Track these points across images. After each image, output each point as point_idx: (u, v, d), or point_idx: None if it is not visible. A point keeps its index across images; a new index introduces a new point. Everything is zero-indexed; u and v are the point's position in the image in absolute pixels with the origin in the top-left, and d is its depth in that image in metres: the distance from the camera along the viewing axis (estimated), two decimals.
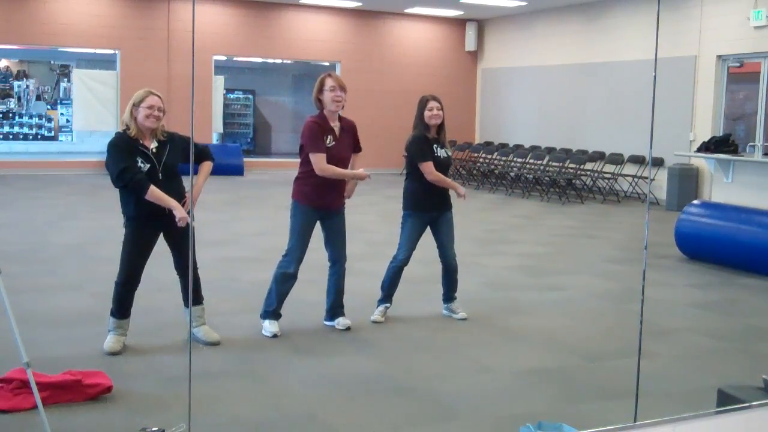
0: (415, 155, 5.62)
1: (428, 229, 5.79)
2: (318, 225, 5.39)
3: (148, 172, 4.73)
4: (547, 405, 4.26)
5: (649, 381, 4.53)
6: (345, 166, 5.31)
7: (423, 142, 5.63)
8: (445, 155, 5.71)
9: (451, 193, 5.82)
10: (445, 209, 5.75)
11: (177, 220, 4.73)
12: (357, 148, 5.45)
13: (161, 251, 5.00)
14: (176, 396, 4.16)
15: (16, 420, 3.82)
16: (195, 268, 5.04)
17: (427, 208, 5.68)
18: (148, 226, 4.83)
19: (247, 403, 4.16)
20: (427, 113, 5.60)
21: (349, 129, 5.37)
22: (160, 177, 4.75)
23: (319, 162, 5.14)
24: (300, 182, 5.30)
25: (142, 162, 4.72)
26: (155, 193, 4.68)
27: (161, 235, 4.94)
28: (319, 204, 5.27)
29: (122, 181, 4.68)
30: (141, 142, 4.77)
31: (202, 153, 5.05)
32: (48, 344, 4.96)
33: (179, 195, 4.87)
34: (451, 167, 5.83)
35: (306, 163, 5.25)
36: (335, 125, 5.27)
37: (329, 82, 5.18)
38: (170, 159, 4.82)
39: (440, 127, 5.68)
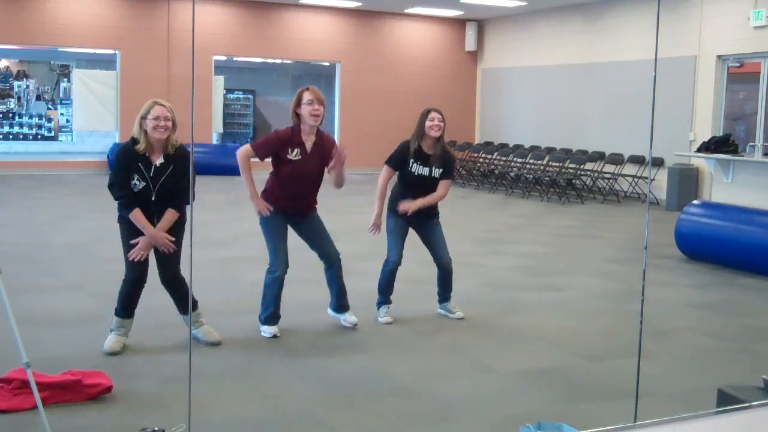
0: (389, 156, 5.65)
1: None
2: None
3: (142, 191, 4.71)
4: (547, 405, 4.25)
5: (649, 381, 4.53)
6: (311, 181, 5.25)
7: (402, 149, 5.61)
8: (421, 174, 5.55)
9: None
10: (425, 219, 5.69)
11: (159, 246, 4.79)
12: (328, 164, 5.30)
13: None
14: (176, 396, 4.16)
15: (16, 420, 3.82)
16: (182, 280, 4.99)
17: (403, 215, 5.63)
18: (136, 228, 4.80)
19: (247, 403, 4.16)
20: (428, 123, 5.56)
21: (323, 145, 5.25)
22: (153, 198, 4.73)
23: (242, 149, 5.22)
24: (265, 194, 5.30)
25: (138, 180, 4.71)
26: (136, 217, 4.73)
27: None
28: (285, 212, 5.26)
29: (111, 193, 4.78)
30: (146, 156, 4.73)
31: (177, 197, 4.85)
32: (48, 344, 4.96)
33: (178, 210, 4.85)
34: (430, 187, 5.59)
35: (275, 174, 5.25)
36: (308, 139, 5.20)
37: (307, 96, 5.14)
38: (170, 180, 4.76)
39: (438, 140, 5.58)
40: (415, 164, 5.58)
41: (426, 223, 5.72)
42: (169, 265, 4.89)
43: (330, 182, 5.38)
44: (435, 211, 5.76)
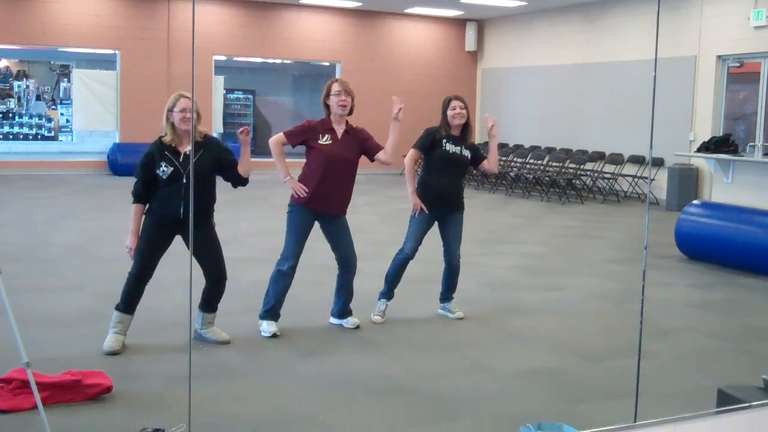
0: (416, 141, 5.73)
1: (436, 226, 5.80)
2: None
3: (171, 176, 4.79)
4: (547, 405, 4.25)
5: (649, 381, 4.53)
6: (344, 167, 5.32)
7: (429, 134, 5.71)
8: (455, 152, 5.68)
9: (466, 195, 5.85)
10: (453, 209, 5.76)
11: (126, 247, 4.88)
12: (373, 149, 5.46)
13: (168, 251, 5.00)
14: (176, 396, 4.16)
15: (16, 420, 3.82)
16: (224, 278, 5.09)
17: (432, 200, 5.68)
18: (163, 224, 4.87)
19: (247, 403, 4.17)
20: (450, 113, 5.66)
21: (355, 134, 5.41)
22: (184, 180, 4.79)
23: (275, 136, 5.36)
24: (300, 181, 5.32)
25: (165, 166, 4.80)
26: (134, 211, 4.90)
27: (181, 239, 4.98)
28: (315, 207, 5.28)
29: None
30: (174, 146, 4.85)
31: (234, 175, 5.05)
32: (48, 344, 4.96)
33: (206, 200, 4.94)
34: (463, 167, 5.80)
35: (308, 165, 5.33)
36: (338, 127, 5.35)
37: (335, 87, 5.33)
38: (201, 164, 4.85)
39: (465, 127, 5.72)
40: (448, 143, 5.67)
41: (453, 215, 5.77)
42: (205, 258, 4.98)
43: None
44: (463, 205, 5.83)
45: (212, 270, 5.01)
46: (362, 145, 5.42)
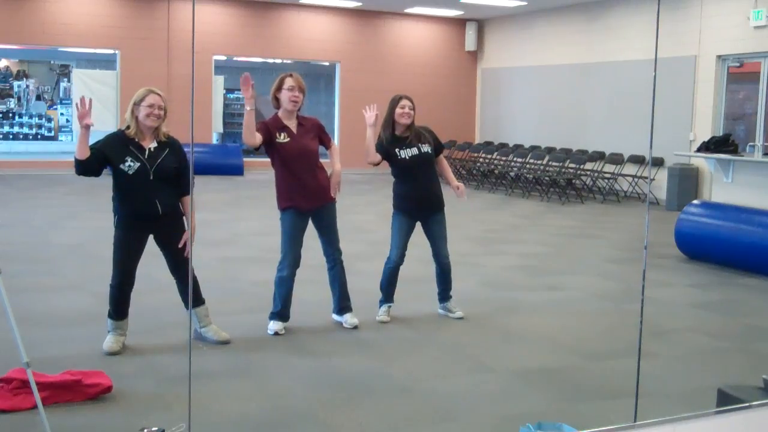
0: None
1: (421, 228, 5.79)
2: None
3: (138, 172, 4.72)
4: (547, 405, 4.25)
5: (649, 381, 4.53)
6: (309, 159, 5.26)
7: (379, 143, 5.61)
8: (413, 156, 5.58)
9: (445, 193, 5.79)
10: (433, 211, 5.72)
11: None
12: (326, 144, 5.41)
13: (159, 252, 5.00)
14: (176, 396, 4.16)
15: (16, 420, 3.82)
16: (191, 270, 5.03)
17: (409, 209, 5.66)
18: (135, 227, 4.82)
19: (247, 403, 4.16)
20: (398, 110, 5.59)
21: (310, 126, 5.35)
22: (151, 177, 4.74)
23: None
24: (277, 187, 5.31)
25: (131, 161, 4.73)
26: (77, 144, 4.72)
27: (152, 238, 4.93)
28: (299, 205, 5.26)
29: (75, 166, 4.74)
30: (137, 141, 4.78)
31: (181, 182, 4.92)
32: (48, 344, 4.96)
33: (171, 198, 4.87)
34: (427, 165, 5.66)
35: (275, 167, 5.30)
36: (291, 123, 5.27)
37: (289, 82, 5.23)
38: (166, 162, 4.81)
39: (410, 127, 5.63)
40: (401, 150, 5.59)
41: (434, 216, 5.73)
42: (176, 252, 4.90)
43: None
44: (443, 202, 5.77)
45: (180, 264, 4.93)
46: (317, 134, 5.36)
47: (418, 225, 5.78)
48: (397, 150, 5.59)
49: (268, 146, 5.22)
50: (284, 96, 5.22)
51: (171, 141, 4.91)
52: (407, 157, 5.59)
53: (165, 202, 4.78)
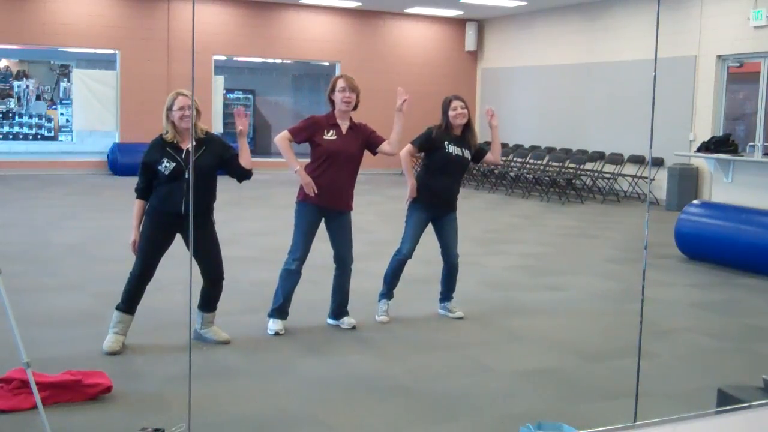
0: (415, 138, 5.74)
1: (432, 228, 5.80)
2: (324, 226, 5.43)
3: (173, 172, 4.79)
4: (547, 405, 4.26)
5: (649, 381, 4.53)
6: (348, 161, 5.35)
7: (429, 135, 5.69)
8: (457, 154, 5.68)
9: (466, 195, 5.86)
10: (448, 210, 5.77)
11: (130, 243, 4.93)
12: (379, 141, 5.49)
13: (168, 252, 5.00)
14: (176, 396, 4.16)
15: (16, 420, 3.82)
16: (222, 278, 5.09)
17: (431, 203, 5.69)
18: (161, 222, 4.88)
19: (248, 402, 4.16)
20: (451, 113, 5.67)
21: (359, 130, 5.46)
22: (186, 176, 4.78)
23: (281, 134, 5.37)
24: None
25: (168, 162, 4.80)
26: (136, 206, 4.93)
27: (180, 238, 4.99)
28: (321, 203, 5.28)
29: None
30: (176, 143, 4.86)
31: (239, 169, 5.03)
32: (48, 344, 4.96)
33: (207, 197, 4.94)
34: (463, 168, 5.84)
35: (313, 161, 5.35)
36: (343, 123, 5.38)
37: (340, 84, 5.39)
38: (202, 161, 4.86)
39: (466, 127, 5.73)
40: (450, 145, 5.67)
41: (447, 215, 5.77)
42: (203, 256, 4.97)
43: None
44: (456, 203, 5.83)
45: (210, 269, 5.01)
46: (366, 139, 5.46)
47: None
48: (446, 143, 5.65)
49: (313, 141, 5.33)
50: (337, 97, 5.37)
51: (207, 138, 4.97)
52: (453, 153, 5.67)
53: (196, 202, 4.78)
